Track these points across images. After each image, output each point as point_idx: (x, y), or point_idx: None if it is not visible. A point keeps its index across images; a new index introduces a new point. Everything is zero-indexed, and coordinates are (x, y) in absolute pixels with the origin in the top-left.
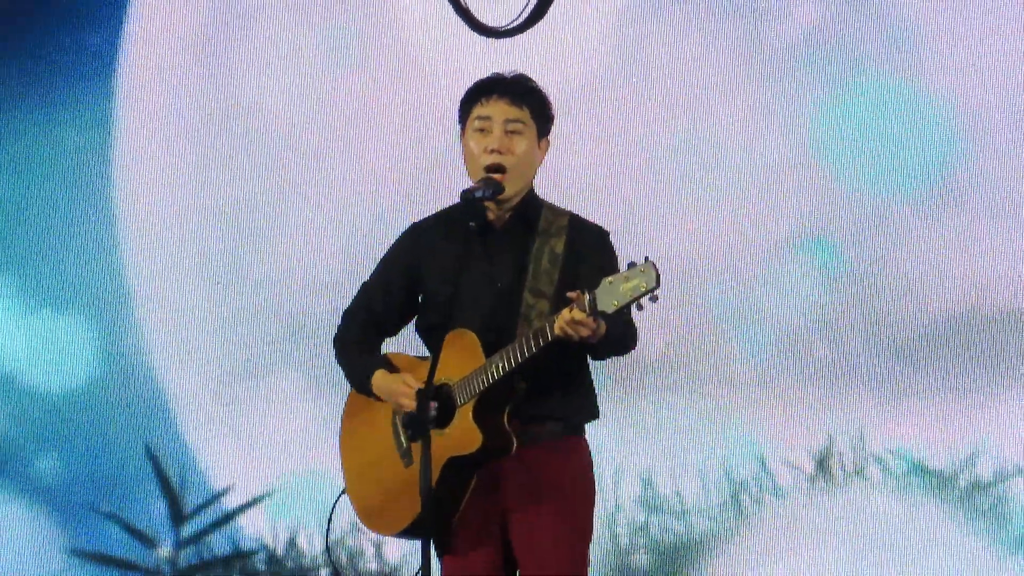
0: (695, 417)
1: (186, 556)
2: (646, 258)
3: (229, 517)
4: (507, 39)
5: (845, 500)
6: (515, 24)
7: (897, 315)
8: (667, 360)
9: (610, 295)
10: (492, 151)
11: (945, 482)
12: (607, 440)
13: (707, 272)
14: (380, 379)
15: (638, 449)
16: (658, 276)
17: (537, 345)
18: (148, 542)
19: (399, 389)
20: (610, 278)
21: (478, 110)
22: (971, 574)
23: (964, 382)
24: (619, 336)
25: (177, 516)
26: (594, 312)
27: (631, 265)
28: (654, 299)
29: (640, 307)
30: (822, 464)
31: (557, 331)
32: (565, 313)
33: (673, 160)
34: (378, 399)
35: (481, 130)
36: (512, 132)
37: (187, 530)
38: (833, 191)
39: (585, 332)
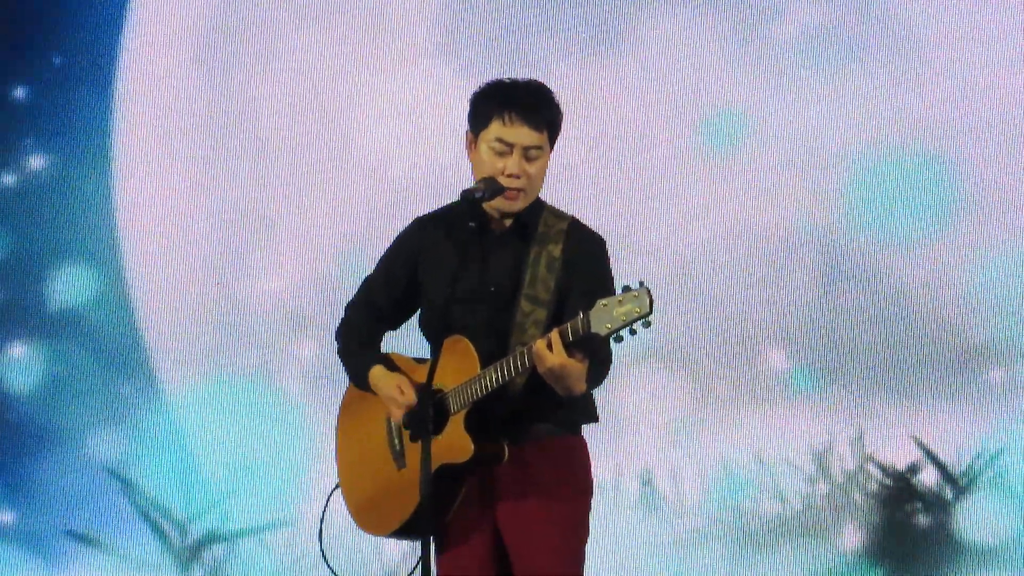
0: (695, 417)
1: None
2: (641, 283)
3: (231, 535)
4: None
5: (845, 499)
6: None
7: (897, 315)
8: (667, 360)
9: (604, 317)
10: (510, 175)
11: (945, 482)
12: (607, 440)
13: (707, 272)
14: (379, 374)
15: (638, 449)
16: (651, 302)
17: (530, 362)
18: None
19: (394, 395)
20: (604, 300)
21: (498, 130)
22: (971, 572)
23: (964, 382)
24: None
25: (173, 528)
26: (587, 333)
27: (626, 288)
28: (647, 324)
29: (633, 332)
30: (822, 464)
31: (535, 357)
32: (539, 343)
33: (672, 159)
34: (374, 393)
35: (500, 153)
36: (531, 158)
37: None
38: (833, 191)
39: (541, 368)
